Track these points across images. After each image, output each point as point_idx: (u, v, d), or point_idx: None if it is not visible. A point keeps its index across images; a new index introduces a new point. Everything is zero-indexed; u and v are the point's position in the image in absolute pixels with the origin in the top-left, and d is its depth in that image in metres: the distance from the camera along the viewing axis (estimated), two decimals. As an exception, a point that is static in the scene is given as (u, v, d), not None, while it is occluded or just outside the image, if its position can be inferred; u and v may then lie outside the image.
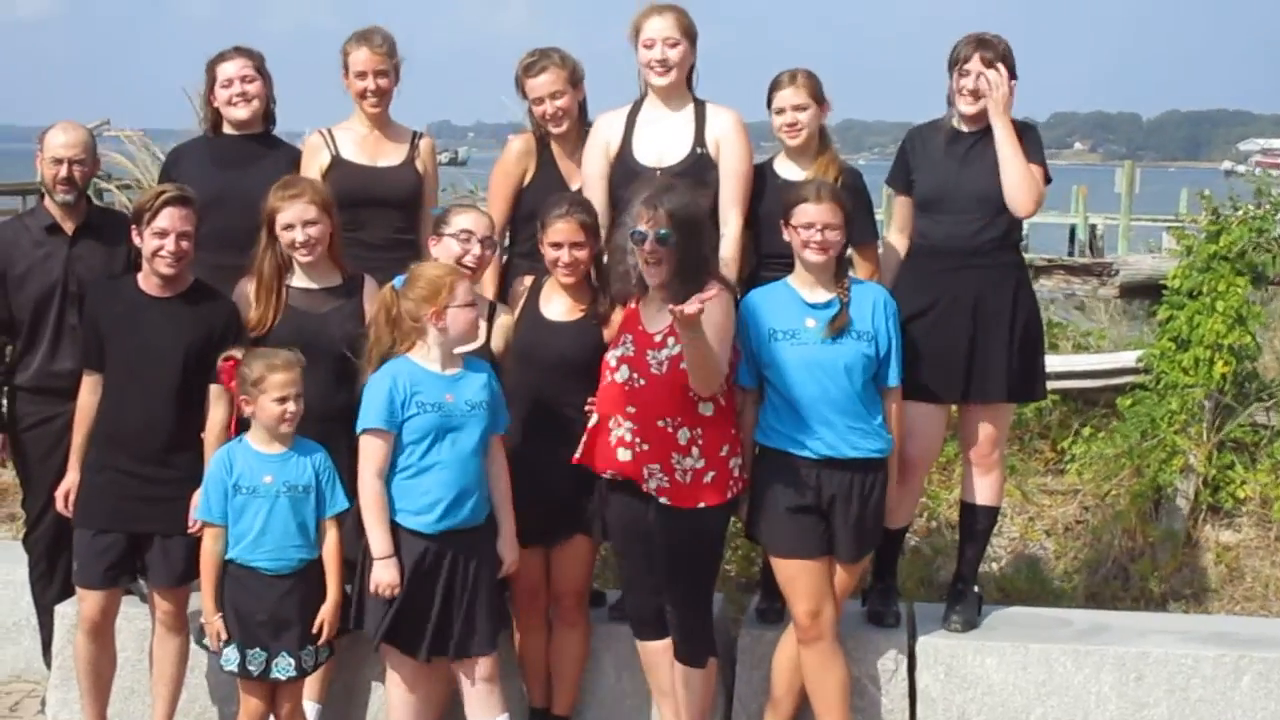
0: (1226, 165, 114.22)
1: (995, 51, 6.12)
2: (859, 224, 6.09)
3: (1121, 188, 38.01)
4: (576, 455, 5.74)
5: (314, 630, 5.62)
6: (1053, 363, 8.70)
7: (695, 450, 5.60)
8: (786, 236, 5.79)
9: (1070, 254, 32.97)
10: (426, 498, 5.50)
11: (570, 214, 5.87)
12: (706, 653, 5.84)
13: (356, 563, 5.63)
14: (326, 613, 5.63)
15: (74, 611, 6.21)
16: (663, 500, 5.59)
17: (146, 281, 5.87)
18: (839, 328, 5.70)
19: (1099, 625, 6.59)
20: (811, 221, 5.68)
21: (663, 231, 5.48)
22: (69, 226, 6.37)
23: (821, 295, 5.77)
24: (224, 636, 5.58)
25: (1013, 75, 6.18)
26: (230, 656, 5.58)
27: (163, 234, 5.74)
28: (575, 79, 6.46)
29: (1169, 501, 8.34)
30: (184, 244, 5.78)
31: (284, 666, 5.59)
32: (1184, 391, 8.39)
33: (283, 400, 5.53)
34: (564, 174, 6.51)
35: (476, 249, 5.86)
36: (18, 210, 21.34)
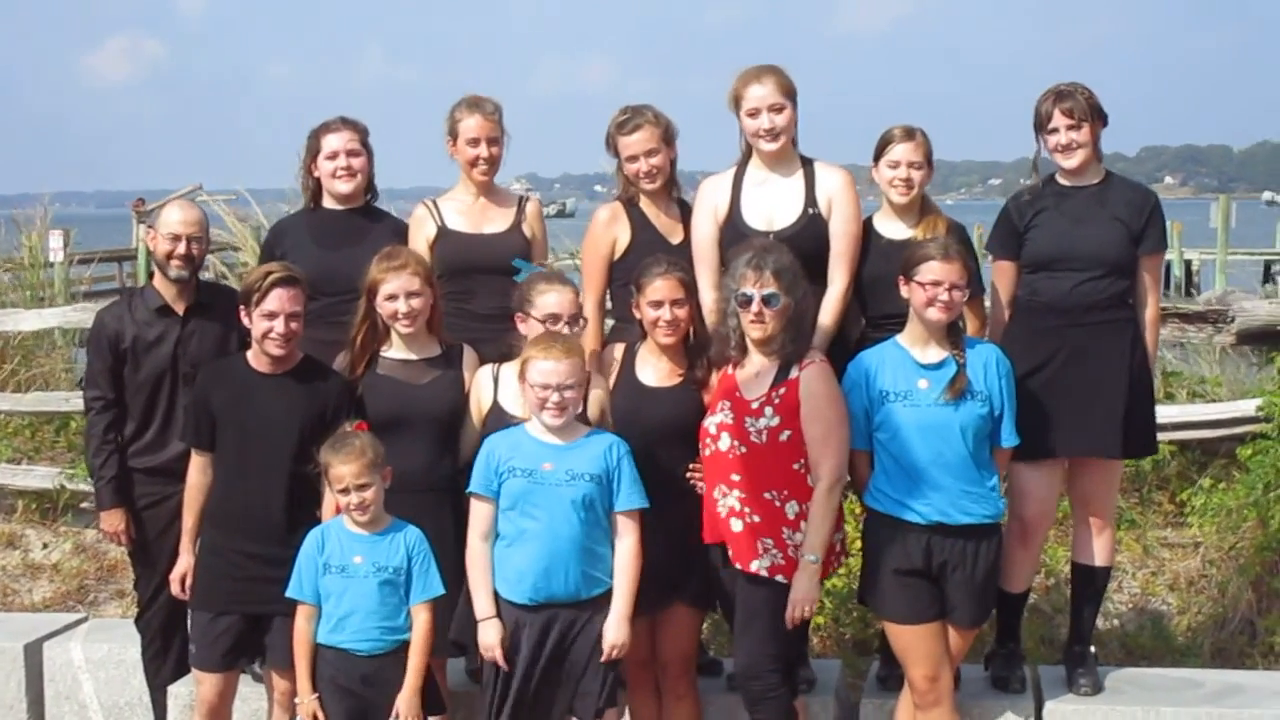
0: (1268, 196, 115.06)
1: (1076, 104, 6.01)
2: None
3: (1217, 222, 37.58)
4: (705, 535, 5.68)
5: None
6: (1169, 413, 8.54)
7: (804, 525, 5.54)
8: (905, 293, 5.67)
9: (1166, 290, 32.61)
10: (516, 567, 5.46)
11: (669, 272, 5.80)
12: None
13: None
14: (402, 701, 5.47)
15: (188, 692, 6.18)
16: (778, 579, 5.51)
17: (257, 360, 5.85)
18: (959, 391, 5.59)
19: (1232, 686, 6.38)
20: (939, 280, 5.57)
21: (769, 292, 5.50)
22: (180, 306, 6.35)
23: (934, 355, 5.66)
24: (320, 718, 5.50)
25: (1103, 120, 6.09)
26: None
27: (271, 315, 5.71)
28: (669, 137, 6.36)
29: (1296, 553, 8.09)
30: (293, 325, 5.75)
31: None
32: (1309, 439, 8.15)
33: (345, 492, 5.45)
34: (662, 231, 6.39)
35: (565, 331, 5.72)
36: (113, 275, 21.79)
